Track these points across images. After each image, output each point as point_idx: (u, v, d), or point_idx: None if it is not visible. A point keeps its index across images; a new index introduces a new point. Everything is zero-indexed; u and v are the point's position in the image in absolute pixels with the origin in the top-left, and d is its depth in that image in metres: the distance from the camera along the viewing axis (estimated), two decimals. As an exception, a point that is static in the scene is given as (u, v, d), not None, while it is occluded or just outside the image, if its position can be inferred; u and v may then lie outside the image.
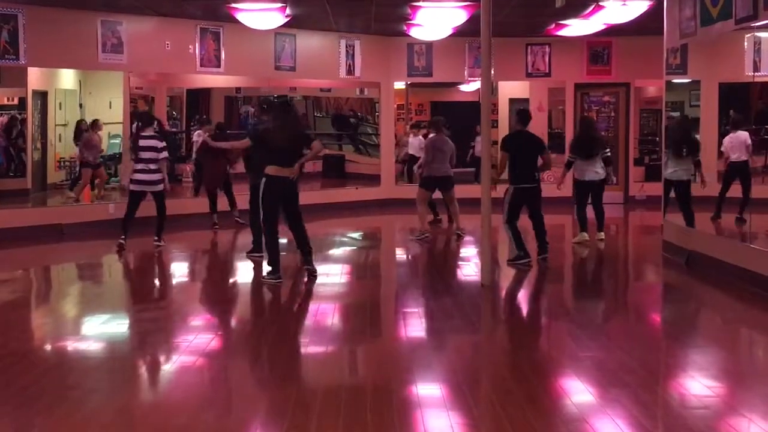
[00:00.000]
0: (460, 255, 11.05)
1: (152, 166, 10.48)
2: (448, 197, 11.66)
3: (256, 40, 13.91)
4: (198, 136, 13.95)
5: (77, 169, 14.00)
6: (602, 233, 11.12)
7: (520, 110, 10.31)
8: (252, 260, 9.59)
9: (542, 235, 9.62)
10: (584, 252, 10.71)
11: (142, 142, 10.47)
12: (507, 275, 9.15)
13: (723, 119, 12.87)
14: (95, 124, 13.72)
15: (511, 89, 17.64)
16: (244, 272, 9.64)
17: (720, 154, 11.81)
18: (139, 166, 10.49)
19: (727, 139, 11.44)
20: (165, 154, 10.59)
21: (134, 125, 11.72)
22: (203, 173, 12.83)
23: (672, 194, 10.31)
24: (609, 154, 11.19)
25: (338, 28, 14.86)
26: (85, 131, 13.77)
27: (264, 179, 8.29)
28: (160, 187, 10.61)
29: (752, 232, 9.30)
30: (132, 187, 10.61)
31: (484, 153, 8.44)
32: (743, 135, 11.23)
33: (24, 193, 13.35)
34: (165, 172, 10.67)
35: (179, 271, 10.38)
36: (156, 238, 10.65)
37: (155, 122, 10.90)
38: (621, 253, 11.68)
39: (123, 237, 10.44)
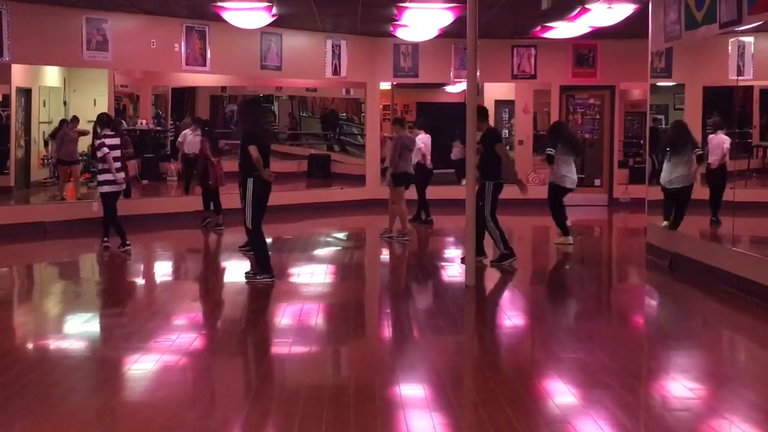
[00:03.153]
0: (445, 256, 11.06)
1: (118, 165, 10.36)
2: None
3: (242, 39, 13.87)
4: (183, 137, 13.86)
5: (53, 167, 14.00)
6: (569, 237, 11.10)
7: (480, 107, 10.16)
8: (247, 256, 9.65)
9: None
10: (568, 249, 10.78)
11: (111, 141, 10.24)
12: (491, 276, 9.17)
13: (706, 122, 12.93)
14: (73, 121, 13.65)
15: (496, 91, 17.70)
16: (232, 271, 9.62)
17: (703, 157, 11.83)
18: (112, 166, 10.28)
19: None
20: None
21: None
22: (203, 174, 12.41)
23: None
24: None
25: (324, 28, 14.85)
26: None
27: (253, 179, 8.21)
28: (123, 186, 10.57)
29: (735, 234, 9.35)
30: (106, 189, 10.33)
31: (469, 154, 8.43)
32: (723, 138, 11.27)
33: (7, 191, 13.27)
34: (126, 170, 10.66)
35: (164, 270, 10.34)
36: (105, 239, 10.41)
37: (111, 123, 10.73)
38: (604, 255, 11.74)
39: (126, 242, 10.31)
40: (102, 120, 10.65)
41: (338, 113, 20.49)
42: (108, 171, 10.26)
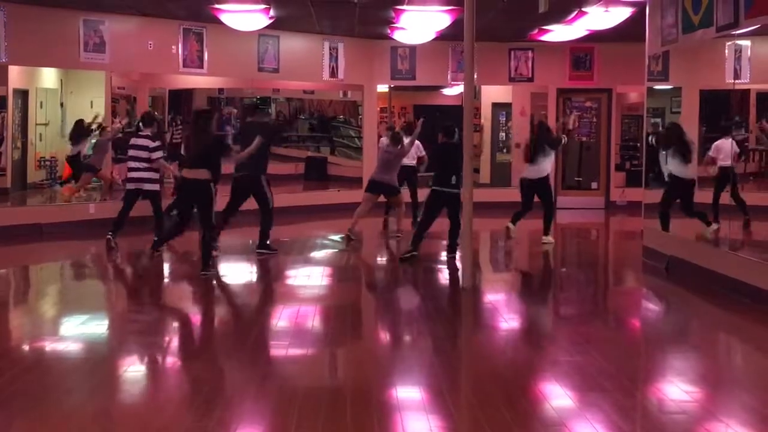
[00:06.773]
0: (441, 259, 11.05)
1: (144, 165, 10.46)
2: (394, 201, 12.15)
3: (240, 42, 13.87)
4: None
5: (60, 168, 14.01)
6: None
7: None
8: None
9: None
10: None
11: (134, 141, 10.53)
12: (488, 279, 9.17)
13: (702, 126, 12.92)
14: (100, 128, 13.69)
15: (494, 93, 17.72)
16: (229, 272, 9.60)
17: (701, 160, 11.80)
18: (133, 165, 10.50)
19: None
20: (159, 154, 10.56)
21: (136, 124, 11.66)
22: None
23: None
24: None
25: (322, 31, 14.85)
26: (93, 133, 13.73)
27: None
28: (156, 186, 10.59)
29: (731, 238, 9.37)
30: (127, 185, 10.67)
31: (466, 157, 8.44)
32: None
33: (3, 192, 13.25)
34: (161, 172, 10.82)
35: (163, 271, 10.31)
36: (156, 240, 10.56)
37: (155, 124, 10.88)
38: (601, 258, 11.74)
39: (111, 234, 10.43)
40: (145, 118, 11.00)
41: (320, 116, 20.62)
42: (129, 169, 10.53)
